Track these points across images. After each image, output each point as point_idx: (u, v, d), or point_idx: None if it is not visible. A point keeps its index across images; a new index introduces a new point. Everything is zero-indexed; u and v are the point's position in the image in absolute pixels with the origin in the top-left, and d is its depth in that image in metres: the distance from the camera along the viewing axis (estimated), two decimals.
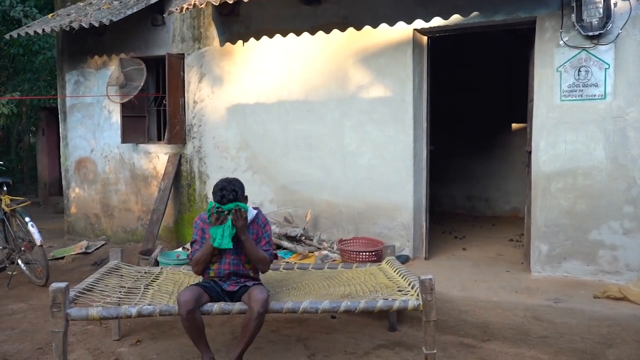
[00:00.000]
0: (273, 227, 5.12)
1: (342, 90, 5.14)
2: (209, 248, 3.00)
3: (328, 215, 5.32)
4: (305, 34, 5.11)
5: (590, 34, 4.08)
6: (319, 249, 5.02)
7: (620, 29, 4.05)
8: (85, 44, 6.59)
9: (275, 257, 3.30)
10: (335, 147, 5.21)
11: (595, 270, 4.22)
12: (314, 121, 5.31)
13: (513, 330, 3.58)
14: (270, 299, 3.05)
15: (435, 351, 2.95)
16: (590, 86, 4.18)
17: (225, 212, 2.92)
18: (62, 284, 2.86)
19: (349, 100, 5.11)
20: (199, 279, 3.27)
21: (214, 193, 3.00)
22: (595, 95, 4.18)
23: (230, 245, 2.95)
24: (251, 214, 3.12)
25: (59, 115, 6.96)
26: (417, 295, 2.98)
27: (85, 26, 5.46)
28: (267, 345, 3.52)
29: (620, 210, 4.13)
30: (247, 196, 3.12)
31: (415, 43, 4.87)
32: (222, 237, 2.93)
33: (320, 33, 5.05)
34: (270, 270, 3.77)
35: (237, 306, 2.96)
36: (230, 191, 2.94)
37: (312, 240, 5.14)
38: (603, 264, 4.19)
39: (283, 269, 3.94)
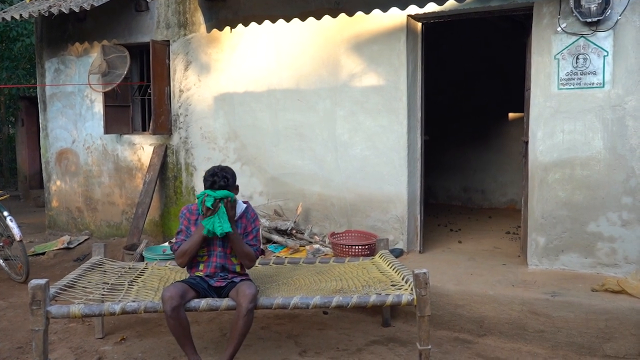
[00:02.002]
0: (263, 221, 5.09)
1: (334, 78, 5.10)
2: (198, 239, 2.97)
3: (320, 207, 5.30)
4: (296, 20, 5.06)
5: (589, 20, 4.07)
6: (311, 242, 5.00)
7: (620, 15, 4.04)
8: (66, 31, 6.48)
9: (262, 252, 3.29)
10: (327, 138, 5.18)
11: (593, 263, 4.24)
12: (304, 110, 5.27)
13: (509, 325, 3.60)
14: (259, 295, 3.04)
15: (429, 347, 2.95)
16: (589, 74, 4.18)
17: (217, 200, 2.89)
18: (42, 281, 2.83)
19: (341, 88, 5.07)
20: (185, 275, 3.24)
21: (205, 179, 3.01)
22: (593, 84, 4.17)
23: (230, 229, 2.90)
24: (240, 207, 3.10)
25: (39, 105, 6.86)
26: (411, 289, 2.97)
27: (65, 12, 5.36)
28: (257, 342, 3.51)
29: (618, 201, 4.15)
30: (238, 186, 3.11)
31: (409, 30, 4.84)
32: (220, 224, 2.89)
33: (311, 19, 4.99)
34: (259, 265, 3.76)
35: (225, 302, 2.94)
36: (222, 177, 2.95)
37: (303, 233, 5.13)
38: (601, 257, 4.22)
39: (273, 263, 3.93)
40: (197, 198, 2.97)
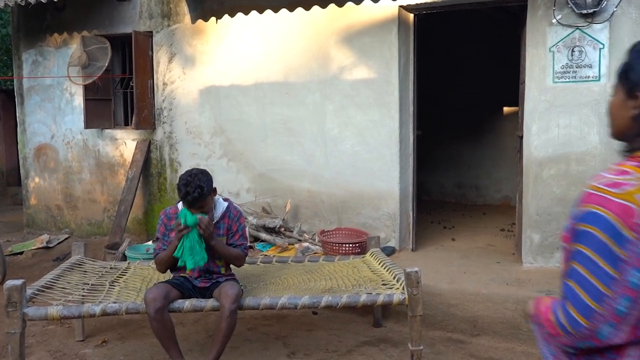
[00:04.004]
0: (250, 218, 5.07)
1: (324, 71, 5.09)
2: (172, 249, 2.95)
3: (309, 204, 5.29)
4: (284, 11, 5.03)
5: (584, 11, 4.09)
6: (300, 240, 5.00)
7: (615, 7, 4.06)
8: (44, 21, 6.39)
9: (250, 247, 3.27)
10: (316, 132, 5.17)
11: None
12: (293, 104, 5.25)
13: (503, 325, 3.62)
14: (245, 295, 3.03)
15: (422, 347, 2.96)
16: (584, 67, 4.20)
17: (190, 228, 2.84)
18: (18, 281, 2.80)
19: (331, 81, 5.06)
20: (169, 275, 3.22)
21: (178, 188, 2.88)
22: (589, 77, 4.20)
23: (205, 259, 2.89)
24: (221, 206, 3.06)
25: (16, 99, 6.76)
26: (403, 288, 2.98)
27: (44, 1, 5.29)
28: (244, 343, 3.50)
29: None
30: (215, 188, 3.02)
31: (401, 21, 4.83)
32: (192, 255, 2.85)
33: (300, 10, 4.97)
34: (246, 264, 3.74)
35: (210, 303, 2.93)
36: (195, 187, 2.81)
37: (292, 231, 5.12)
38: None
39: (261, 262, 3.92)
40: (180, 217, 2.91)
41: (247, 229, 3.23)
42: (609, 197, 1.06)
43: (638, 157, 1.14)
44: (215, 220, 3.01)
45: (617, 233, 1.04)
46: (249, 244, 3.19)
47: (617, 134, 1.22)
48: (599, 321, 1.05)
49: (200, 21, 5.56)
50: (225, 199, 3.14)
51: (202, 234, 2.85)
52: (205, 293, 3.04)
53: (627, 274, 1.04)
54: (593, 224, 1.07)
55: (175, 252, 2.88)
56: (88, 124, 6.04)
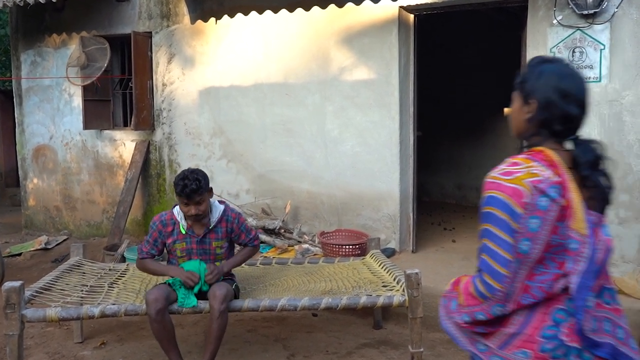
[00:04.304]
0: (249, 220, 5.08)
1: (324, 71, 5.09)
2: (166, 273, 3.00)
3: (309, 206, 5.29)
4: (283, 12, 5.04)
5: (585, 12, 4.10)
6: (299, 242, 5.00)
7: (616, 8, 4.07)
8: (43, 21, 6.40)
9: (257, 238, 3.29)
10: (316, 133, 5.17)
11: None
12: (293, 105, 5.25)
13: None
14: (245, 296, 3.03)
15: (422, 349, 2.96)
16: (585, 68, 4.21)
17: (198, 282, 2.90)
18: (17, 283, 2.80)
19: (331, 82, 5.07)
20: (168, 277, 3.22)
21: (175, 184, 2.89)
22: (590, 78, 4.21)
23: (195, 305, 2.91)
24: (218, 210, 3.04)
25: (14, 99, 6.76)
26: (403, 290, 2.98)
27: (42, 1, 5.29)
28: (244, 345, 3.50)
29: (615, 199, 4.15)
30: (212, 188, 3.02)
31: (401, 22, 4.84)
32: (184, 295, 2.90)
33: (300, 10, 4.98)
34: (246, 266, 3.75)
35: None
36: (193, 180, 2.85)
37: (291, 233, 5.12)
38: None
39: (260, 264, 3.92)
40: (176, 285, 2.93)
41: (247, 222, 3.23)
42: (503, 183, 1.32)
43: (530, 152, 1.39)
44: (212, 225, 3.00)
45: (512, 210, 1.28)
46: (255, 232, 3.20)
47: (517, 134, 1.48)
48: (508, 283, 1.29)
49: (199, 22, 5.57)
50: (221, 202, 3.13)
51: (209, 281, 2.92)
52: (205, 295, 3.03)
53: (519, 243, 1.28)
54: (493, 206, 1.31)
55: (171, 280, 2.94)
56: (87, 125, 6.05)
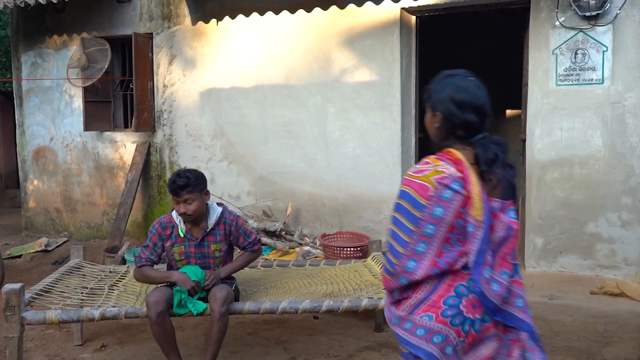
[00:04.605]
0: (250, 222, 5.08)
1: (325, 73, 5.09)
2: (164, 280, 2.96)
3: (310, 208, 5.29)
4: (285, 13, 5.04)
5: (588, 14, 4.10)
6: (300, 244, 4.99)
7: (619, 9, 4.07)
8: (43, 22, 6.41)
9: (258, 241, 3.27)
10: (317, 135, 5.18)
11: (592, 265, 4.27)
12: (294, 107, 5.26)
13: None
14: (246, 299, 3.03)
15: None
16: (588, 70, 4.21)
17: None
18: (17, 285, 2.79)
19: (332, 84, 5.07)
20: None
21: (167, 184, 2.93)
22: (592, 80, 4.21)
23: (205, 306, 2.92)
24: (216, 212, 3.02)
25: (15, 101, 6.78)
26: None
27: (43, 2, 5.30)
28: (244, 348, 3.49)
29: (618, 201, 4.18)
30: (208, 191, 2.99)
31: (403, 23, 4.84)
32: (181, 303, 2.89)
33: (301, 12, 4.98)
34: (247, 268, 3.74)
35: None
36: (183, 177, 2.86)
37: (292, 235, 5.12)
38: (600, 258, 4.25)
39: (261, 266, 3.91)
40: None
41: (246, 225, 3.21)
42: (413, 179, 1.59)
43: (441, 152, 1.64)
44: (209, 228, 2.99)
45: (416, 202, 1.56)
46: (255, 236, 3.18)
47: (434, 139, 1.73)
48: (404, 259, 1.58)
49: (200, 23, 5.58)
50: (219, 204, 3.11)
51: (209, 285, 2.94)
52: (205, 297, 3.03)
53: (424, 227, 1.56)
54: (402, 198, 1.60)
55: (177, 288, 2.92)
56: (87, 127, 6.05)
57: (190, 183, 2.85)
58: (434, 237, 1.57)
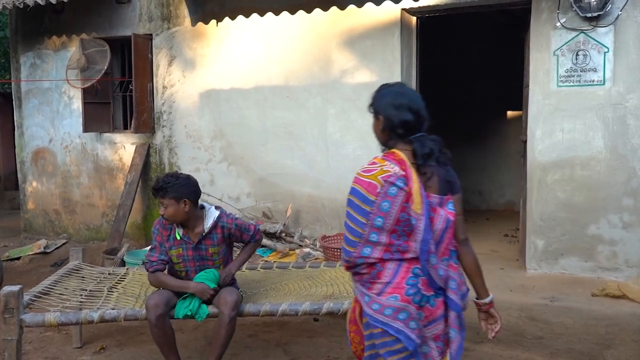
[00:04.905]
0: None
1: (325, 74, 5.10)
2: (178, 287, 2.94)
3: (310, 209, 5.29)
4: (285, 14, 5.05)
5: (589, 15, 4.10)
6: (301, 246, 5.00)
7: (620, 10, 4.08)
8: (42, 23, 6.42)
9: (259, 231, 3.26)
10: (317, 136, 5.18)
11: (593, 267, 4.27)
12: (294, 108, 5.26)
13: (507, 332, 3.61)
14: (246, 301, 3.03)
15: None
16: (589, 71, 4.21)
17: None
18: (15, 287, 2.79)
19: (332, 85, 5.07)
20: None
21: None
22: (594, 81, 4.21)
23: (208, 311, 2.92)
24: (212, 216, 3.01)
25: (14, 102, 6.78)
26: None
27: (42, 3, 5.31)
28: (244, 350, 3.49)
29: (619, 202, 4.18)
30: (192, 201, 2.92)
31: (404, 24, 4.85)
32: (190, 308, 2.89)
33: (301, 12, 4.99)
34: (247, 270, 3.75)
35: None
36: (163, 181, 2.87)
37: (292, 237, 5.12)
38: (602, 260, 4.25)
39: (261, 268, 3.91)
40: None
41: (242, 220, 3.19)
42: (362, 178, 1.82)
43: (386, 153, 1.88)
44: (205, 232, 2.98)
45: (365, 198, 1.80)
46: (254, 226, 3.18)
47: (380, 142, 1.98)
48: (360, 246, 1.84)
49: (200, 24, 5.58)
50: (217, 207, 3.10)
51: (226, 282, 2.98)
52: (209, 300, 3.02)
53: (373, 220, 1.80)
54: (353, 195, 1.83)
55: (184, 298, 2.92)
56: (87, 128, 6.05)
57: (166, 189, 2.84)
58: (383, 229, 1.82)
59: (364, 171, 1.84)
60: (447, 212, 1.87)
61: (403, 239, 1.84)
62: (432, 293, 1.86)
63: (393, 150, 1.88)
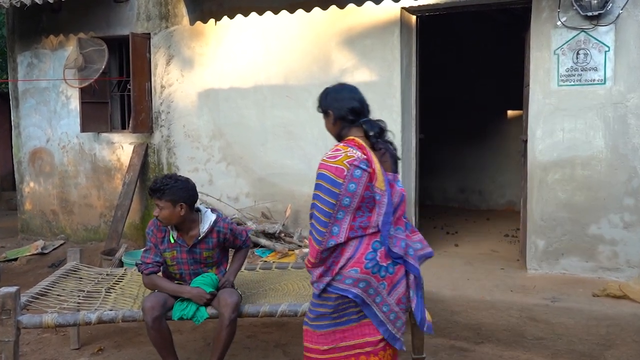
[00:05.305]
0: (249, 224, 5.08)
1: (325, 74, 5.10)
2: (173, 291, 2.93)
3: (309, 210, 5.28)
4: (284, 12, 5.05)
5: (590, 14, 4.10)
6: (300, 246, 4.99)
7: (621, 9, 4.08)
8: (40, 22, 6.42)
9: (248, 237, 3.28)
10: (317, 136, 5.17)
11: (594, 267, 4.28)
12: (293, 107, 5.26)
13: (508, 332, 3.61)
14: (244, 301, 3.02)
15: (424, 355, 2.95)
16: (590, 70, 4.21)
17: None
18: (12, 288, 2.79)
19: (332, 84, 5.06)
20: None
21: None
22: (594, 80, 4.21)
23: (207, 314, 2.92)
24: (209, 220, 3.00)
25: (11, 102, 6.78)
26: None
27: (39, 2, 5.31)
28: (243, 351, 3.49)
29: (620, 202, 4.18)
30: (189, 205, 2.90)
31: (403, 23, 4.85)
32: (187, 311, 2.89)
33: (300, 11, 4.99)
34: (246, 270, 3.75)
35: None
36: (161, 182, 2.84)
37: (292, 237, 5.12)
38: (602, 260, 4.25)
39: (260, 268, 3.91)
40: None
41: (236, 225, 3.18)
42: (329, 164, 2.05)
43: (346, 141, 2.13)
44: (201, 236, 2.97)
45: (334, 181, 2.03)
46: (245, 232, 3.18)
47: (335, 136, 2.24)
48: (330, 226, 2.05)
49: (198, 23, 5.58)
50: (213, 210, 3.09)
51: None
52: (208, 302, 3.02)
53: (342, 200, 2.04)
54: (322, 179, 2.05)
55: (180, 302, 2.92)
56: (84, 128, 6.05)
57: (164, 190, 2.82)
58: (350, 207, 2.06)
59: (329, 157, 2.07)
60: (399, 188, 2.18)
61: (366, 215, 2.09)
62: (389, 262, 2.12)
63: (351, 137, 2.14)
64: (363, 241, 2.10)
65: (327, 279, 2.12)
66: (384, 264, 2.11)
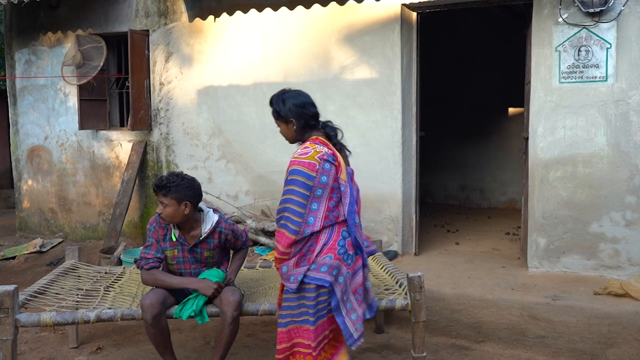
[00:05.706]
0: (249, 222, 5.08)
1: (324, 71, 5.09)
2: (176, 285, 2.93)
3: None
4: (284, 9, 5.04)
5: (591, 10, 4.09)
6: None
7: (623, 6, 4.07)
8: (37, 19, 6.41)
9: (248, 237, 3.29)
10: None
11: (595, 265, 4.28)
12: None
13: (509, 331, 3.62)
14: (244, 300, 3.03)
15: (424, 354, 2.96)
16: (591, 67, 4.21)
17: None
18: (10, 287, 2.79)
19: (332, 82, 5.07)
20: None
21: None
22: (596, 77, 4.21)
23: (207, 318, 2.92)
24: (211, 220, 3.00)
25: (8, 99, 6.77)
26: (405, 294, 2.98)
27: None
28: (243, 350, 3.50)
29: (622, 200, 4.18)
30: (194, 204, 2.92)
31: (404, 20, 4.84)
32: (188, 308, 2.88)
33: (300, 8, 4.98)
34: (245, 269, 3.76)
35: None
36: (166, 179, 2.86)
37: None
38: (604, 258, 4.25)
39: (260, 267, 3.92)
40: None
41: (237, 226, 3.19)
42: (302, 160, 2.30)
43: (312, 140, 2.40)
44: (202, 237, 2.97)
45: (308, 175, 2.27)
46: (245, 232, 3.20)
47: (294, 141, 2.51)
48: (304, 215, 2.27)
49: (197, 20, 5.57)
50: (215, 210, 3.09)
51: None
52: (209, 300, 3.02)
53: (315, 191, 2.28)
54: (296, 174, 2.28)
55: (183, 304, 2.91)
56: (83, 125, 6.05)
57: (169, 187, 2.83)
58: (322, 197, 2.30)
59: (301, 155, 2.32)
60: (356, 183, 2.49)
61: (337, 204, 2.35)
62: (353, 251, 2.37)
63: (315, 136, 2.41)
64: (334, 229, 2.35)
65: (303, 268, 2.28)
66: (351, 253, 2.36)
